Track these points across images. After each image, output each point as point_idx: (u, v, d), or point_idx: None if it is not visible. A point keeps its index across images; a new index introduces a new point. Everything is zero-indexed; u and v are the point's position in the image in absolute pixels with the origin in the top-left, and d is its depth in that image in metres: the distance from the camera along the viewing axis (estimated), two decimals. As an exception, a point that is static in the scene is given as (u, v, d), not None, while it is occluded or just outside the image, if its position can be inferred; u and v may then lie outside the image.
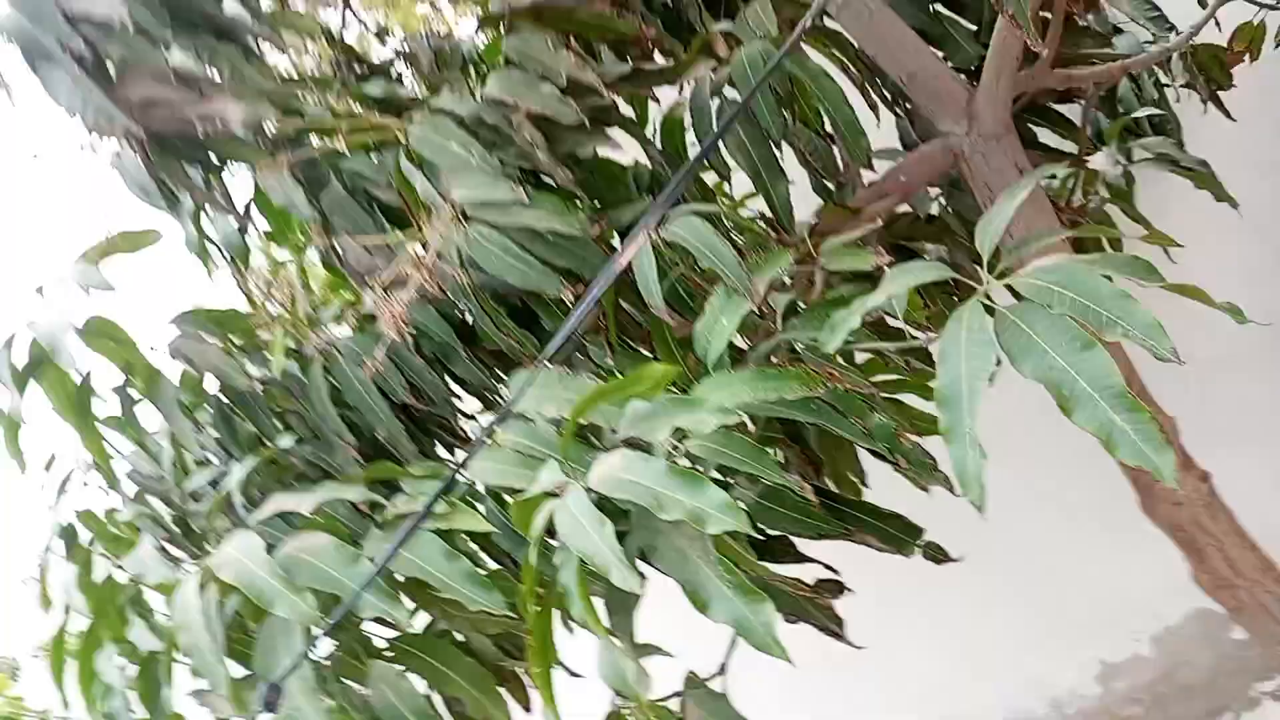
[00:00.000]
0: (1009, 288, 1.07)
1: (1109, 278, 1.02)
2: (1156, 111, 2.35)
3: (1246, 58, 2.40)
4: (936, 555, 1.43)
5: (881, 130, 1.83)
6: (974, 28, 1.84)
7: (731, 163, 1.56)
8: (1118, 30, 2.09)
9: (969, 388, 1.01)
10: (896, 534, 1.41)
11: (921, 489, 1.31)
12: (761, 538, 1.37)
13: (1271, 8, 2.27)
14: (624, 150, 1.60)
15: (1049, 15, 1.61)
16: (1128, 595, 2.87)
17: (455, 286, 1.48)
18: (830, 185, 1.77)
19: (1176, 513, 1.57)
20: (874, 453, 1.27)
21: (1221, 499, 1.59)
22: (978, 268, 1.14)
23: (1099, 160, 2.29)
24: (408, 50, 1.95)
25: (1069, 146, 2.09)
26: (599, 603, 1.13)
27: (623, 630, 1.17)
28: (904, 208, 1.87)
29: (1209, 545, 1.57)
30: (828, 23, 1.73)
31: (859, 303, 1.15)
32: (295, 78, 1.81)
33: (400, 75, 1.94)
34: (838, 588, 1.49)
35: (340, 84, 1.75)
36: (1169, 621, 2.94)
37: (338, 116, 1.59)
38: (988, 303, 1.06)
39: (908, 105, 1.78)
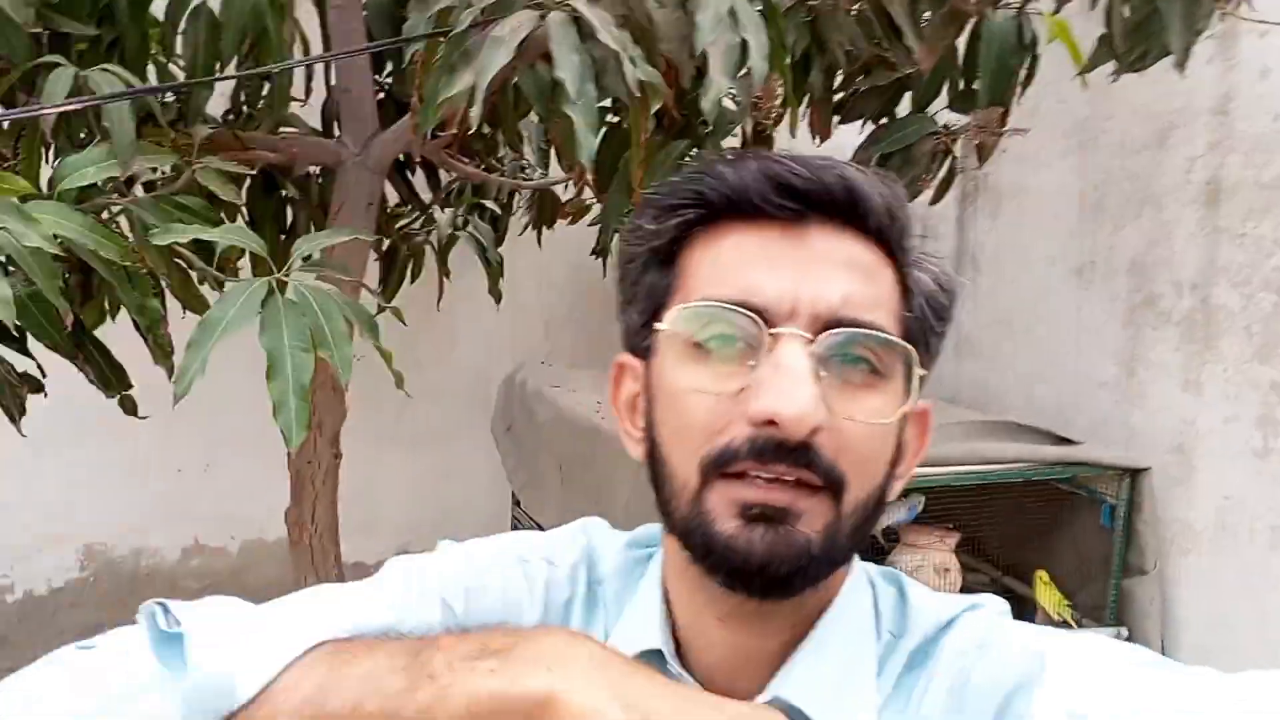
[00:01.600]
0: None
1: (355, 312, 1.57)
2: (498, 211, 3.12)
3: (570, 218, 3.28)
4: (129, 407, 1.84)
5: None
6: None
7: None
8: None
9: (224, 328, 1.47)
10: (109, 374, 1.79)
11: (156, 363, 1.71)
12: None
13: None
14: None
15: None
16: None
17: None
18: (247, 113, 2.14)
19: (306, 468, 2.19)
20: (135, 323, 1.65)
21: (338, 473, 2.25)
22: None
23: (442, 217, 2.97)
24: None
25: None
26: None
27: None
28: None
29: (308, 497, 2.21)
30: None
31: (195, 229, 1.56)
32: None
33: None
34: (38, 386, 1.81)
35: None
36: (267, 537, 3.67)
37: None
38: (273, 284, 1.54)
39: (338, 104, 2.22)
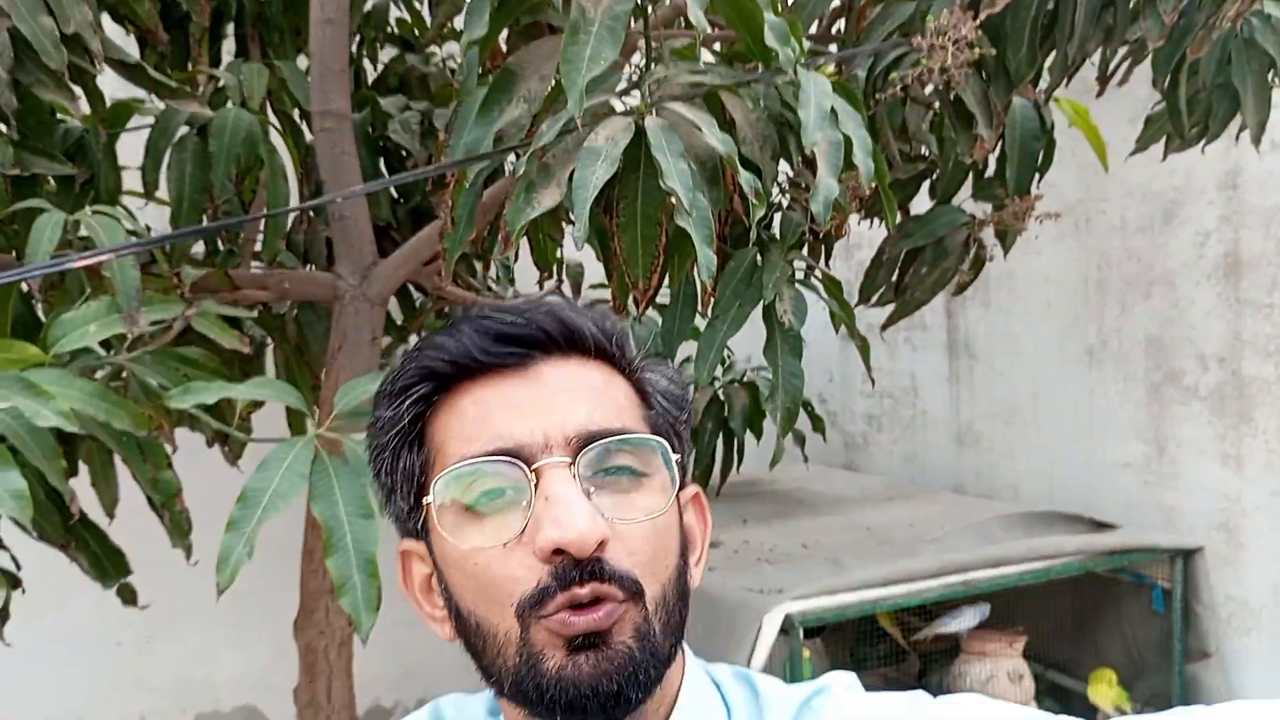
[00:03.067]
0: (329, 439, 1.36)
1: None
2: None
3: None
4: (127, 597, 1.57)
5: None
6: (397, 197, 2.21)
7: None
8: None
9: (269, 501, 1.25)
10: (106, 564, 1.52)
11: (174, 545, 1.46)
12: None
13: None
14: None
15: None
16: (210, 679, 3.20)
17: None
18: (225, 249, 1.92)
19: (318, 639, 1.92)
20: (149, 499, 1.41)
21: (352, 645, 1.98)
22: (307, 417, 1.41)
23: (414, 340, 2.77)
24: None
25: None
26: None
27: None
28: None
29: (323, 673, 1.94)
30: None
31: (219, 386, 1.33)
32: None
33: None
34: (16, 581, 1.53)
35: None
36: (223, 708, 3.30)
37: None
38: (317, 442, 1.32)
39: (328, 232, 2.02)
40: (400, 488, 0.68)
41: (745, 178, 1.24)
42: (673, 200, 1.24)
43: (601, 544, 0.60)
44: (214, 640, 3.28)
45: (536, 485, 0.61)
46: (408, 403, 0.66)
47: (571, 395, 0.64)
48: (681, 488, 0.68)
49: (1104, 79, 1.85)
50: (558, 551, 0.59)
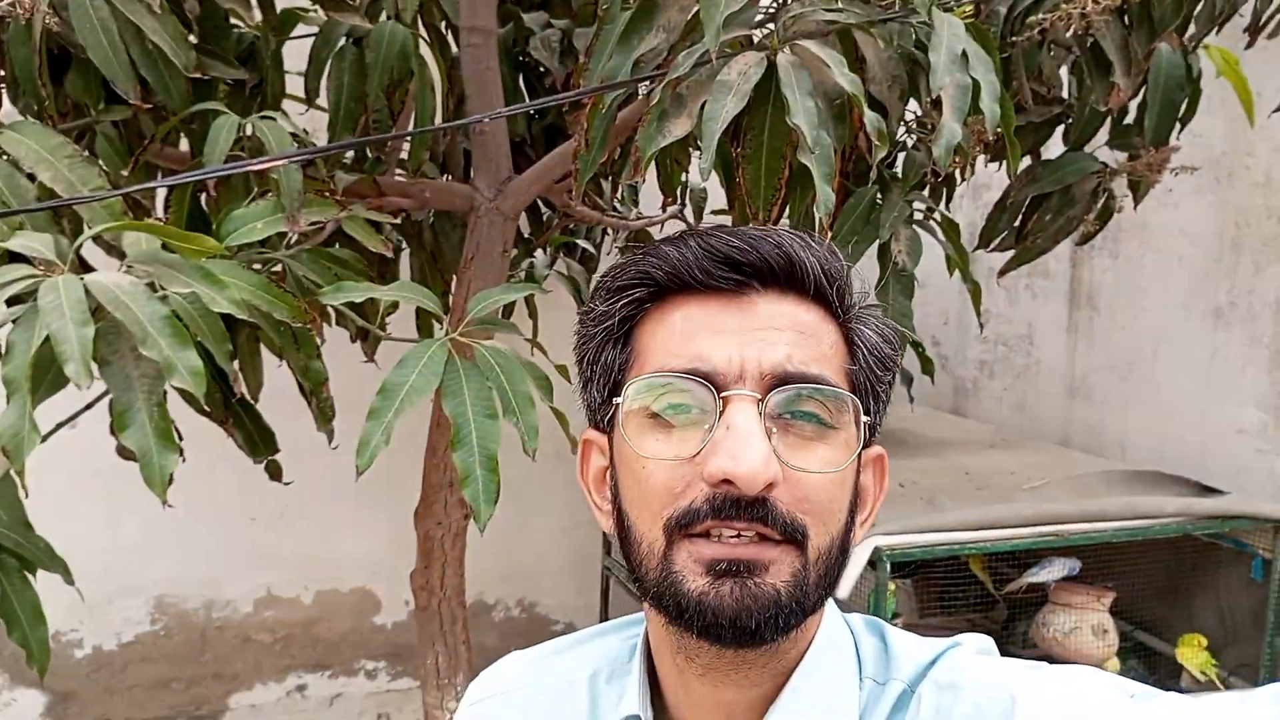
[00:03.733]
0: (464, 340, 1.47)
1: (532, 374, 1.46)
2: (591, 250, 3.01)
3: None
4: (274, 472, 1.73)
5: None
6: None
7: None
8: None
9: (406, 395, 1.37)
10: (258, 440, 1.68)
11: (319, 429, 1.61)
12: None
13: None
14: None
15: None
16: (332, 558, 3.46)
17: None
18: (373, 155, 2.04)
19: (436, 529, 2.07)
20: (300, 385, 1.55)
21: (465, 535, 2.13)
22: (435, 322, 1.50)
23: (540, 259, 2.88)
24: None
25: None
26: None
27: None
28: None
29: (438, 560, 2.09)
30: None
31: (367, 286, 1.45)
32: None
33: None
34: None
35: None
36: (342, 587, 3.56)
37: None
38: (450, 345, 1.44)
39: (467, 145, 2.12)
40: (597, 379, 0.70)
41: (870, 117, 1.28)
42: (797, 136, 1.29)
43: (770, 485, 0.60)
44: (337, 524, 3.52)
45: (722, 413, 0.62)
46: (621, 302, 0.68)
47: (777, 333, 0.64)
48: (867, 446, 0.68)
49: (1255, 29, 1.79)
50: (725, 482, 0.60)
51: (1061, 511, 2.19)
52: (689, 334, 0.64)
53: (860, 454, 0.66)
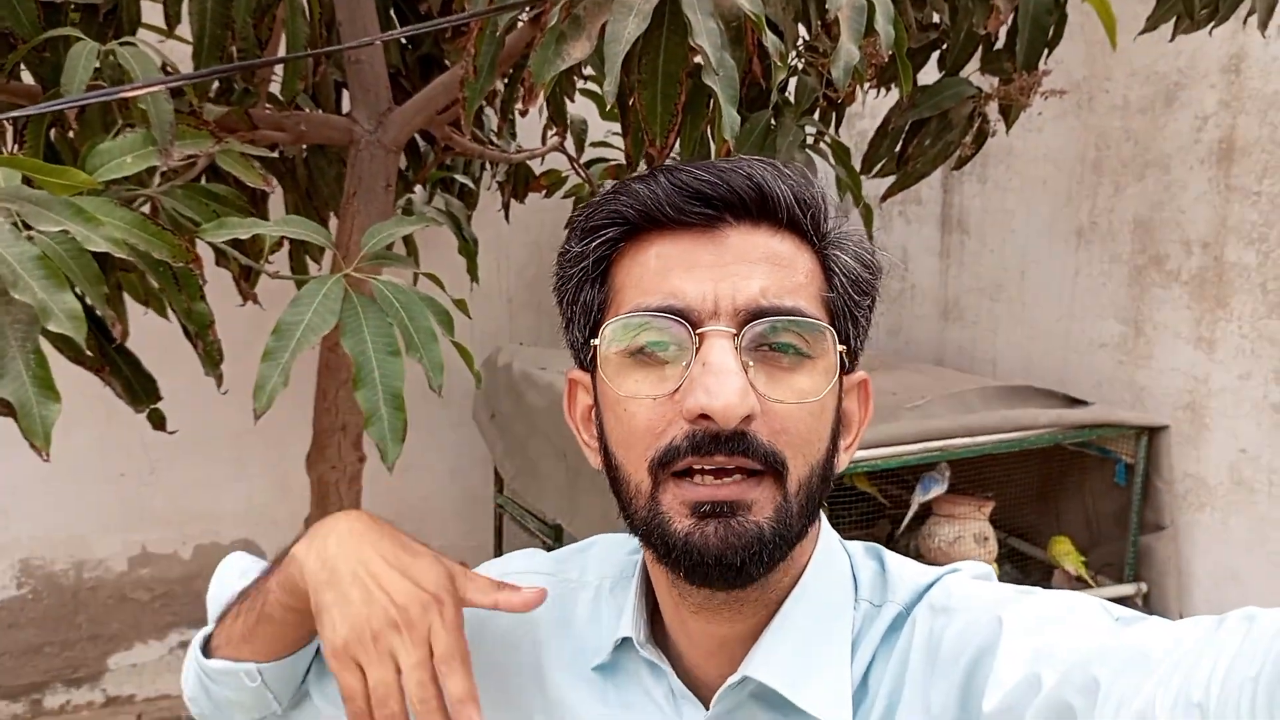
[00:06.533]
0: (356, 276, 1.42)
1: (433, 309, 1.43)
2: (470, 184, 2.95)
3: (545, 191, 3.13)
4: (157, 421, 1.65)
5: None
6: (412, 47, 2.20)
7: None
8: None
9: (302, 334, 1.31)
10: (138, 388, 1.59)
11: (206, 374, 1.53)
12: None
13: (581, 174, 3.02)
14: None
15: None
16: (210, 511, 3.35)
17: None
18: (241, 87, 1.92)
19: (330, 473, 2.02)
20: (185, 328, 1.47)
21: (361, 478, 2.08)
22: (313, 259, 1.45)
23: (419, 194, 2.80)
24: None
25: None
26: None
27: None
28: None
29: (334, 505, 2.04)
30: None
31: (252, 222, 1.38)
32: None
33: None
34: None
35: None
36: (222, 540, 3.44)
37: None
38: (348, 282, 1.38)
39: (343, 76, 2.03)
40: (577, 320, 0.70)
41: (770, 40, 1.27)
42: (698, 59, 1.27)
43: (747, 418, 0.61)
44: (215, 475, 3.39)
45: (698, 349, 0.62)
46: (595, 242, 0.68)
47: (750, 266, 0.63)
48: (849, 372, 0.69)
49: (1123, -44, 1.85)
50: (703, 417, 0.60)
51: (943, 427, 2.29)
52: (663, 271, 0.64)
53: (841, 380, 0.67)
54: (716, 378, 0.60)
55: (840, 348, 0.65)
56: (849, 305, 0.68)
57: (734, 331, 0.62)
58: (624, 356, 0.65)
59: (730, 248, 0.64)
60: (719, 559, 0.62)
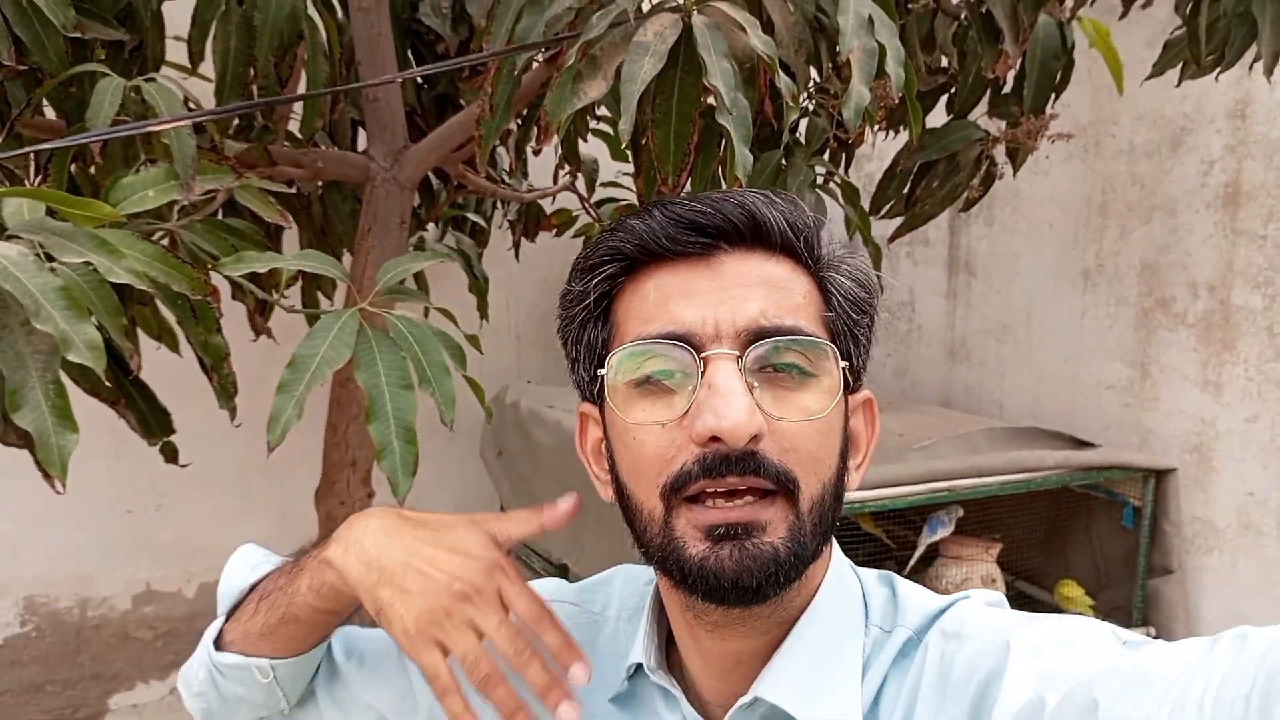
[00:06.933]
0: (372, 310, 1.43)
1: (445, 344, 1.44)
2: (481, 223, 2.97)
3: (556, 230, 3.16)
4: (170, 454, 1.65)
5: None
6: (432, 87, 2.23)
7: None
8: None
9: (317, 367, 1.32)
10: (152, 422, 1.60)
11: (220, 407, 1.54)
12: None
13: (591, 214, 3.05)
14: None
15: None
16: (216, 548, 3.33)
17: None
18: (261, 123, 1.95)
19: (338, 508, 2.02)
20: (201, 361, 1.48)
21: (369, 513, 2.08)
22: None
23: (431, 232, 2.82)
24: None
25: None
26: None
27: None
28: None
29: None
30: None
31: (270, 256, 1.40)
32: None
33: None
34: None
35: None
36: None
37: None
38: (362, 316, 1.40)
39: (360, 114, 2.06)
40: (583, 358, 0.71)
41: (783, 81, 1.30)
42: (711, 99, 1.30)
43: (755, 438, 0.62)
44: (221, 510, 3.39)
45: (703, 373, 0.63)
46: (595, 280, 0.69)
47: (747, 289, 0.65)
48: (854, 391, 0.70)
49: (1128, 0, 1.89)
50: (713, 439, 0.61)
51: (950, 468, 2.29)
52: (662, 300, 0.66)
53: (847, 399, 0.68)
54: (723, 399, 0.61)
55: (843, 364, 0.66)
56: (849, 324, 0.69)
57: (737, 353, 0.63)
58: (631, 386, 0.66)
59: (726, 273, 0.65)
60: (735, 581, 0.62)
